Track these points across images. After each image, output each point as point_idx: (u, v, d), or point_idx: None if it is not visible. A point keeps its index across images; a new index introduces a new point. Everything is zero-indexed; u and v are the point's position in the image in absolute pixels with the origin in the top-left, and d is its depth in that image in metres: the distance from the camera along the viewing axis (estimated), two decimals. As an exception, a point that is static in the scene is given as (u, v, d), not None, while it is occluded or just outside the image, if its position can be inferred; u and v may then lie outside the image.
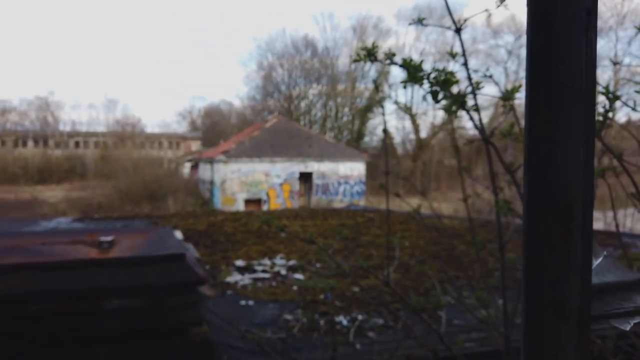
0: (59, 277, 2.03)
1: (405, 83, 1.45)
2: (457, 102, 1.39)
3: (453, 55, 1.67)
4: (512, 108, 1.82)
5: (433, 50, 41.12)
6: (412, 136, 40.61)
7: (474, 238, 2.21)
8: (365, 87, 43.38)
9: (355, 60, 1.51)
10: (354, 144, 38.40)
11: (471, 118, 1.63)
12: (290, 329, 2.73)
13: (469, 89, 1.61)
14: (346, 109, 43.96)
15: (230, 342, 2.45)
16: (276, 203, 24.99)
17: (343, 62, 45.65)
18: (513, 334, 2.12)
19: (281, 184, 25.74)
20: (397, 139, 42.77)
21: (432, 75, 1.34)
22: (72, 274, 2.04)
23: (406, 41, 46.07)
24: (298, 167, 25.93)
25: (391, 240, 2.71)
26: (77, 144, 53.60)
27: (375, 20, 57.95)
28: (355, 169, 26.80)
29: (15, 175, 43.89)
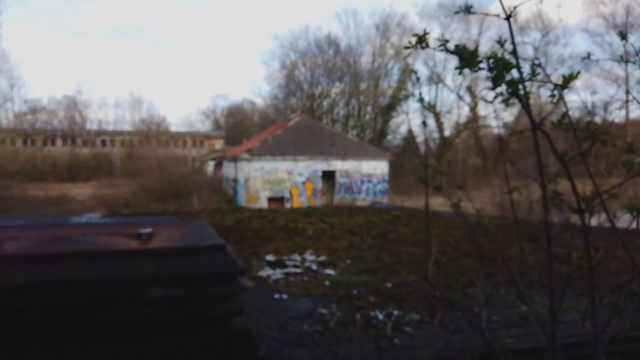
0: (105, 265, 2.06)
1: (460, 69, 1.42)
2: (515, 87, 1.36)
3: (502, 44, 1.63)
4: (561, 97, 1.77)
5: (457, 48, 40.61)
6: (436, 135, 40.24)
7: (520, 234, 2.16)
8: (388, 85, 43.18)
9: (406, 47, 1.48)
10: (377, 142, 38.24)
11: (524, 106, 1.59)
12: (327, 322, 2.72)
13: (519, 78, 1.57)
14: (369, 108, 43.81)
15: (269, 333, 2.45)
16: (299, 201, 25.06)
17: (366, 60, 45.49)
18: (558, 331, 2.07)
19: (304, 183, 25.80)
20: (420, 137, 42.44)
21: (491, 60, 1.31)
22: (116, 263, 2.07)
23: (430, 38, 45.53)
24: (321, 165, 25.94)
25: (429, 236, 2.67)
26: (103, 143, 54.71)
27: (399, 18, 57.61)
28: (378, 167, 26.67)
29: (44, 172, 45.05)
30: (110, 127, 56.70)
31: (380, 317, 2.89)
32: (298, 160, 25.65)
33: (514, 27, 1.62)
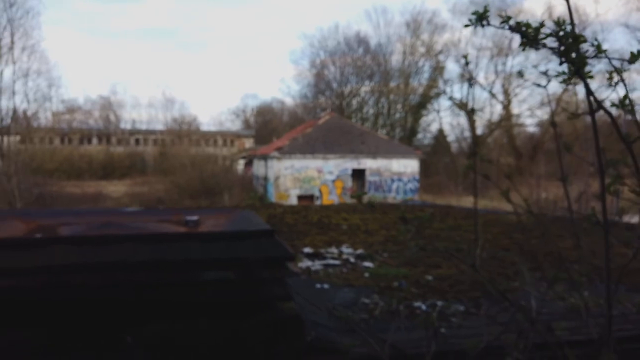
0: (158, 248, 2.11)
1: (523, 46, 1.39)
2: (582, 62, 1.32)
3: (560, 24, 1.59)
4: (622, 78, 1.72)
5: (490, 45, 39.93)
6: (467, 133, 39.57)
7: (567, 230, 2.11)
8: (419, 83, 42.73)
9: (466, 26, 1.47)
10: (407, 141, 37.90)
11: (586, 84, 1.55)
12: (371, 311, 2.71)
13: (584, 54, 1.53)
14: (399, 106, 43.43)
15: (315, 319, 2.46)
16: (328, 199, 25.07)
17: (396, 58, 45.13)
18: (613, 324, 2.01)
19: (334, 181, 25.79)
20: (451, 136, 41.88)
21: (560, 33, 1.28)
22: (171, 246, 2.12)
23: (462, 36, 44.89)
24: (351, 163, 25.88)
25: (476, 228, 2.63)
26: (137, 142, 55.98)
27: (430, 15, 56.86)
28: (409, 166, 26.43)
29: (81, 170, 46.38)
30: (143, 127, 57.98)
31: (424, 307, 2.86)
32: (328, 158, 25.65)
33: (549, 23, 1.58)
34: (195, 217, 2.70)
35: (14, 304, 1.99)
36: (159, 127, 57.27)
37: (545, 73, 1.90)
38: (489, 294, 3.21)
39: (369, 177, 26.13)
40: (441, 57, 42.19)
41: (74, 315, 2.01)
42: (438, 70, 41.47)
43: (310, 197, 25.22)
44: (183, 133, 52.62)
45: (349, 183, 25.99)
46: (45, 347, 1.99)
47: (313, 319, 2.45)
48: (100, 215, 2.92)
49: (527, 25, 1.38)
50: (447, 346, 2.40)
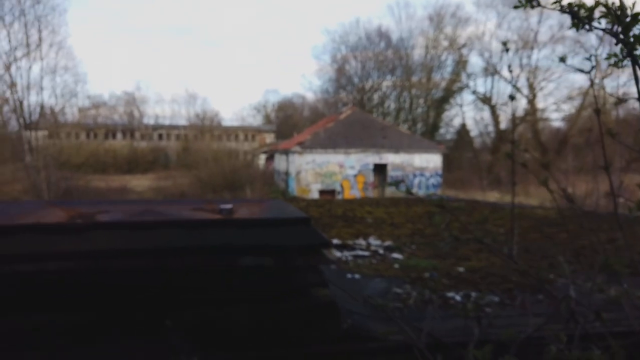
0: (197, 234, 2.14)
1: (575, 27, 1.36)
2: (635, 45, 1.29)
3: (608, 8, 1.54)
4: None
5: (515, 38, 39.21)
6: (491, 128, 39.03)
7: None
8: (441, 78, 42.26)
9: (515, 7, 1.44)
10: (429, 136, 37.54)
11: (638, 66, 1.50)
12: (405, 300, 2.70)
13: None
14: (421, 101, 43.05)
15: (349, 307, 2.46)
16: (350, 194, 25.04)
17: (418, 52, 44.68)
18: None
19: (355, 176, 25.75)
20: (474, 131, 41.36)
21: (618, 11, 1.24)
22: (208, 232, 2.14)
23: (486, 29, 44.23)
24: (372, 158, 25.80)
25: (512, 219, 2.60)
26: (160, 137, 56.77)
27: (454, 9, 56.17)
28: (431, 161, 26.21)
29: (106, 165, 47.30)
30: (166, 122, 58.79)
31: (458, 298, 2.84)
32: (349, 153, 25.61)
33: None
34: (229, 206, 2.72)
35: (58, 288, 2.04)
36: (182, 122, 58.00)
37: (589, 58, 1.86)
38: (523, 285, 3.17)
39: (390, 172, 26.01)
40: (464, 51, 41.62)
41: (116, 300, 2.05)
42: (461, 64, 40.95)
43: (332, 192, 25.24)
44: (205, 128, 53.17)
45: (371, 178, 25.91)
46: (86, 331, 2.04)
47: (348, 307, 2.45)
48: (136, 205, 2.97)
49: (581, 5, 1.35)
50: (484, 336, 2.37)
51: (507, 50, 2.21)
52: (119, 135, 56.15)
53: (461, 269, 3.64)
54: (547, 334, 2.24)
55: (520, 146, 2.80)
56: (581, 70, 2.11)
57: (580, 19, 1.39)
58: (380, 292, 2.91)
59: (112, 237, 1.98)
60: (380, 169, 26.11)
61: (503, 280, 3.30)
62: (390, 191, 25.23)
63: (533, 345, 1.80)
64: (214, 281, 2.09)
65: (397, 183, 2.04)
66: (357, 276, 3.30)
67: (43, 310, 2.03)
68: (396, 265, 3.74)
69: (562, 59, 2.17)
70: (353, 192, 25.28)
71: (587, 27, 1.39)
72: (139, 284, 2.01)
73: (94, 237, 1.94)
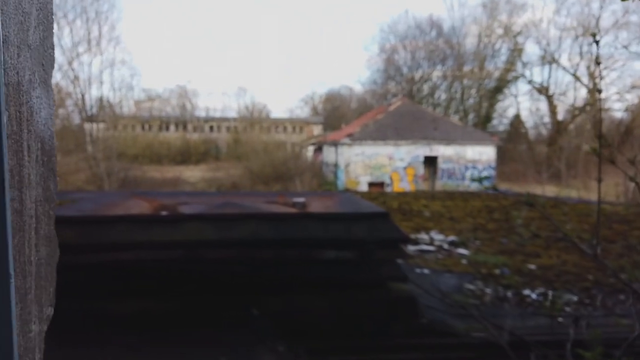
0: (281, 227, 2.21)
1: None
2: None
3: None
4: None
5: (575, 24, 37.37)
6: (547, 119, 37.46)
7: None
8: (495, 67, 40.89)
9: (623, -1, 1.39)
10: (481, 127, 36.50)
11: None
12: (479, 297, 2.68)
13: None
14: (473, 91, 41.87)
15: (425, 302, 2.48)
16: (399, 187, 24.80)
17: (471, 41, 43.43)
18: None
19: (405, 168, 25.45)
20: (529, 122, 39.86)
21: None
22: (291, 225, 2.21)
23: (544, 15, 42.32)
24: (423, 150, 25.40)
25: (598, 217, 2.52)
26: (211, 129, 58.09)
27: (507, -5, 54.00)
28: (484, 153, 25.51)
29: (160, 156, 48.92)
30: (217, 114, 60.06)
31: (534, 296, 2.79)
32: (399, 145, 25.33)
33: None
34: (302, 199, 2.78)
35: (151, 275, 2.17)
36: (232, 114, 59.06)
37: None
38: (602, 284, 3.07)
39: (441, 165, 25.54)
40: (520, 39, 40.05)
41: (206, 288, 2.15)
42: (516, 52, 39.44)
43: (381, 184, 25.08)
44: (255, 120, 53.93)
45: (421, 170, 25.53)
46: (177, 317, 2.15)
47: (424, 301, 2.47)
48: (214, 197, 3.08)
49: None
50: (564, 336, 2.32)
51: (596, 42, 2.13)
52: (172, 127, 57.88)
53: (532, 266, 3.56)
54: None
55: (608, 142, 2.70)
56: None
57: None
58: (452, 288, 2.90)
59: (204, 229, 2.08)
60: (430, 161, 25.68)
61: (578, 279, 3.21)
62: (440, 184, 24.79)
63: (635, 347, 1.75)
64: (297, 272, 2.15)
65: (483, 179, 2.02)
66: (426, 271, 3.29)
67: (138, 296, 2.16)
68: (464, 261, 3.71)
69: (626, 47, 2.06)
70: (402, 185, 25.01)
71: None
72: (228, 273, 2.10)
73: (188, 228, 2.05)
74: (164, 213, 2.37)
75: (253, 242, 2.11)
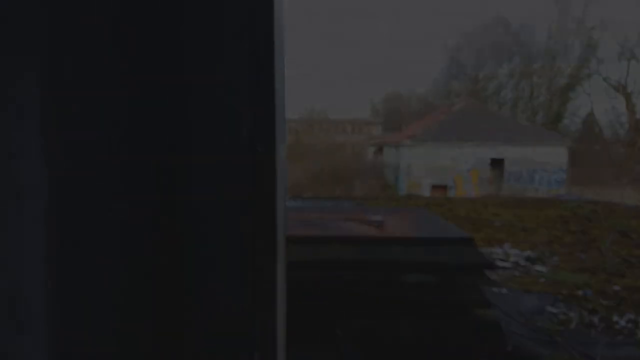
0: (361, 250, 2.26)
1: None
2: None
3: None
4: None
5: (656, 16, 34.69)
6: (624, 119, 35.13)
7: None
8: (567, 64, 38.86)
9: None
10: (551, 127, 34.81)
11: None
12: (564, 322, 2.61)
13: None
14: (542, 89, 40.03)
15: (508, 327, 2.45)
16: (463, 190, 24.19)
17: (540, 37, 41.54)
18: None
19: (469, 170, 24.79)
20: (604, 122, 37.56)
21: None
22: (374, 248, 2.26)
23: (621, 8, 39.62)
24: (488, 152, 24.62)
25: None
26: (272, 130, 59.22)
27: (580, -13, 51.06)
28: (555, 155, 24.34)
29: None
30: (278, 115, 61.17)
31: (622, 323, 2.67)
32: (463, 146, 24.70)
33: None
34: (379, 217, 2.83)
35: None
36: (293, 116, 59.96)
37: None
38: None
39: (508, 167, 24.63)
40: (594, 34, 37.85)
41: (295, 305, 2.24)
42: (590, 48, 37.29)
43: (444, 187, 24.57)
44: (314, 121, 54.50)
45: (486, 173, 24.77)
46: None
47: (507, 326, 2.44)
48: (292, 212, 3.19)
49: None
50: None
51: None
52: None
53: (617, 287, 3.40)
54: None
55: None
56: None
57: None
58: (534, 310, 2.84)
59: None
60: (496, 164, 24.84)
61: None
62: (506, 187, 23.91)
63: None
64: (381, 294, 2.20)
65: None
66: (504, 290, 3.24)
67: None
68: (542, 279, 3.60)
69: None
70: (466, 188, 24.37)
71: None
72: (314, 293, 2.19)
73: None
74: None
75: (340, 263, 2.18)
